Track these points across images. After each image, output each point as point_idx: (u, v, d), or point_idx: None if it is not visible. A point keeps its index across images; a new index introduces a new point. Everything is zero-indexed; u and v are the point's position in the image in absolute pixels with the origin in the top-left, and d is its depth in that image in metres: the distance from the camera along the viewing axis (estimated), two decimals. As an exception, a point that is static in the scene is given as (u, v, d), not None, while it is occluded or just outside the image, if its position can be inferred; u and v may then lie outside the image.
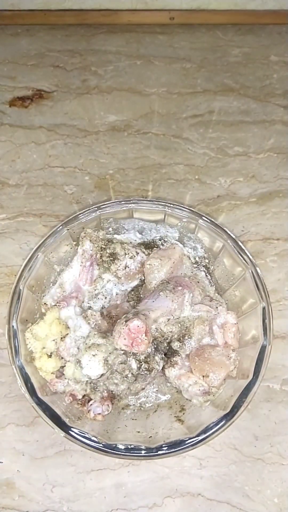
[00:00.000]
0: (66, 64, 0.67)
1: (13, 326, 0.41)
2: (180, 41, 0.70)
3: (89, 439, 0.38)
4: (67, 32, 0.71)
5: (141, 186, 0.56)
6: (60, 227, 0.45)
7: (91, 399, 0.40)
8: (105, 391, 0.40)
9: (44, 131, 0.60)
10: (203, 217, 0.45)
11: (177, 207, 0.46)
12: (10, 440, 0.44)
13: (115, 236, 0.46)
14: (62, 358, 0.41)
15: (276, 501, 0.42)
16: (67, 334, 0.41)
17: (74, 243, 0.46)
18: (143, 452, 0.38)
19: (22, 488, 0.42)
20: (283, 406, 0.45)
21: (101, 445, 0.38)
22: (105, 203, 0.46)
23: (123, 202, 0.46)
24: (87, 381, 0.40)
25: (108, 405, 0.40)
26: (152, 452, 0.38)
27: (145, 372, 0.39)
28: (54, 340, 0.41)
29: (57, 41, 0.70)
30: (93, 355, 0.39)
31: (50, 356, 0.41)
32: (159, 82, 0.65)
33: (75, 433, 0.38)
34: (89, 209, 0.46)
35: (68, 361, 0.40)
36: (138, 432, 0.40)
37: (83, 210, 0.46)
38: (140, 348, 0.37)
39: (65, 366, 0.41)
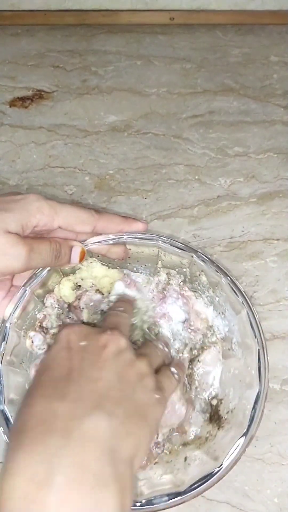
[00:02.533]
0: (66, 64, 0.67)
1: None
2: (180, 41, 0.70)
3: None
4: (67, 32, 0.71)
5: (141, 186, 0.56)
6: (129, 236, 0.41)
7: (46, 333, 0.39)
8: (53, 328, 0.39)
9: (44, 131, 0.60)
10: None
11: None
12: (10, 440, 0.44)
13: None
14: (79, 300, 0.41)
15: (276, 501, 0.42)
16: (103, 297, 0.41)
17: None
18: None
19: (22, 488, 0.42)
20: (283, 406, 0.45)
21: None
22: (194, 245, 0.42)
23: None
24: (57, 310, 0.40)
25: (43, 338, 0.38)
26: None
27: None
28: (92, 285, 0.41)
29: (57, 41, 0.70)
30: (77, 287, 0.39)
31: (75, 288, 0.41)
32: (159, 82, 0.65)
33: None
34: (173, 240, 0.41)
35: (79, 305, 0.41)
36: None
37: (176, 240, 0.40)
38: None
39: (72, 305, 0.41)
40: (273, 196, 0.55)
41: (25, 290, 0.37)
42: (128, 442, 0.24)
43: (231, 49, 0.69)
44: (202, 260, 0.38)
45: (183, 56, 0.68)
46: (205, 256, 0.38)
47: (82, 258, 0.37)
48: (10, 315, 0.36)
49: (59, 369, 0.27)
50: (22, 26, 0.71)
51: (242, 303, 0.37)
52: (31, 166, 0.58)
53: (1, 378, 0.34)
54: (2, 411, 0.33)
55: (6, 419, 0.33)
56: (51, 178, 0.57)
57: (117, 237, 0.39)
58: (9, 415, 0.33)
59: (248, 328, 0.36)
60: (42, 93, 0.64)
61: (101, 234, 0.38)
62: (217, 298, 0.40)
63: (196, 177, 0.57)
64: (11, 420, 0.33)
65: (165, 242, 0.39)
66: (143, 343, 0.36)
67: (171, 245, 0.39)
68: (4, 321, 0.36)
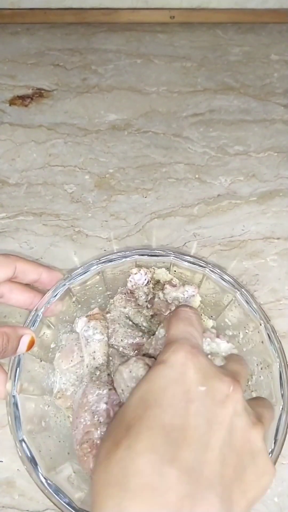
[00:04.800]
0: (66, 63, 0.67)
1: None
2: (180, 39, 0.70)
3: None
4: (67, 30, 0.71)
5: (141, 185, 0.56)
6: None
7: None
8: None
9: (44, 130, 0.60)
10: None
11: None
12: (10, 439, 0.44)
13: None
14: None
15: (276, 501, 0.42)
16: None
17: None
18: None
19: (22, 487, 0.42)
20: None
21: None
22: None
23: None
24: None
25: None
26: None
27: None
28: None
29: (57, 39, 0.69)
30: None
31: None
32: (159, 81, 0.65)
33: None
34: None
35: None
36: None
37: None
38: None
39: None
40: (273, 195, 0.55)
41: (64, 284, 0.37)
42: None
43: (232, 47, 0.69)
44: (268, 334, 0.36)
45: (183, 55, 0.68)
46: (272, 332, 0.36)
47: (30, 347, 0.33)
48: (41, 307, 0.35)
49: (173, 414, 0.22)
50: (22, 25, 0.71)
51: (282, 394, 0.33)
52: (31, 164, 0.57)
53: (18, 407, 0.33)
54: (22, 440, 0.32)
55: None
56: (51, 176, 0.56)
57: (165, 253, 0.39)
58: (28, 445, 0.32)
59: (272, 428, 0.32)
60: (42, 91, 0.64)
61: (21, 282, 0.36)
62: (261, 377, 0.37)
63: (196, 175, 0.57)
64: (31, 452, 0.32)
65: (243, 297, 0.38)
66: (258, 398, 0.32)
67: (246, 302, 0.37)
68: (36, 310, 0.36)
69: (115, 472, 0.20)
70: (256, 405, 0.27)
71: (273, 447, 0.32)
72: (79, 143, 0.59)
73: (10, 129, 0.60)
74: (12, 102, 0.63)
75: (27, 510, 0.41)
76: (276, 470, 0.27)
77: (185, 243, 0.51)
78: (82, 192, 0.55)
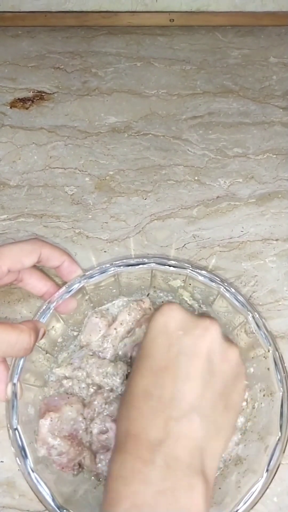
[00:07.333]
0: (67, 65, 0.67)
1: None
2: (180, 42, 0.70)
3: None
4: (67, 33, 0.71)
5: (141, 187, 0.56)
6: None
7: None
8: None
9: (44, 133, 0.61)
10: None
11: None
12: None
13: None
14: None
15: (276, 500, 0.42)
16: None
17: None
18: None
19: (22, 487, 0.42)
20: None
21: None
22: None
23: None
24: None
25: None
26: None
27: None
28: None
29: (57, 42, 0.70)
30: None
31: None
32: (159, 83, 0.66)
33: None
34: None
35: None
36: None
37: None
38: None
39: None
40: (272, 197, 0.56)
41: (80, 282, 0.37)
42: (216, 440, 0.28)
43: (231, 50, 0.70)
44: (275, 361, 0.34)
45: (183, 58, 0.69)
46: (280, 361, 0.34)
47: (40, 339, 0.35)
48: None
49: (158, 359, 0.29)
50: (23, 28, 0.71)
51: (280, 425, 0.32)
52: (31, 167, 0.58)
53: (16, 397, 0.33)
54: (16, 429, 0.32)
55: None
56: (51, 178, 0.57)
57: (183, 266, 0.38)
58: (21, 435, 0.32)
59: (265, 456, 0.32)
60: (43, 94, 0.64)
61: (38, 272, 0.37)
62: (262, 405, 0.36)
63: (196, 178, 0.57)
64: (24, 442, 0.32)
65: (255, 320, 0.36)
66: None
67: (257, 326, 0.36)
68: (49, 302, 0.36)
69: (122, 414, 0.29)
70: None
71: (264, 478, 0.31)
72: (79, 145, 0.60)
73: (11, 131, 0.61)
74: (13, 104, 0.63)
75: (28, 511, 0.42)
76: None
77: (185, 244, 0.51)
78: (82, 194, 0.56)
